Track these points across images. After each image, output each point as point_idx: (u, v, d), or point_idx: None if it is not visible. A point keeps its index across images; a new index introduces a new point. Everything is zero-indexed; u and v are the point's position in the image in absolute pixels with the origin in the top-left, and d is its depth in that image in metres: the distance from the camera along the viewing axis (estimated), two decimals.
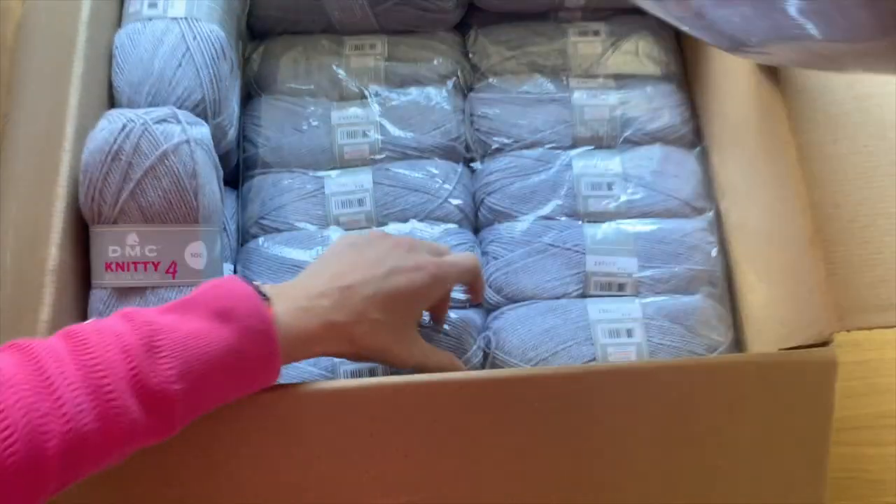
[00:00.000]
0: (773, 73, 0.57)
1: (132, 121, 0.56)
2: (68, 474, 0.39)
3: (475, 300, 0.62)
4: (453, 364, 0.56)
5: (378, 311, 0.50)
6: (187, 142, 0.56)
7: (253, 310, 0.46)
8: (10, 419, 0.37)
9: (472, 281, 0.59)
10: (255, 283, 0.48)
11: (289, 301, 0.48)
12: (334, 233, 0.65)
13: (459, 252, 0.61)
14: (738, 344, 0.64)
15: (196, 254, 0.56)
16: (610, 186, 0.66)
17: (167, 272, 0.55)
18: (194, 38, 0.61)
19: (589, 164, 0.67)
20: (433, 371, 0.53)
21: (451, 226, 0.65)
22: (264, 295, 0.47)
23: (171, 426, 0.43)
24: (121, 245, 0.55)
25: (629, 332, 0.61)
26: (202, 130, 0.58)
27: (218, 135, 0.62)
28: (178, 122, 0.57)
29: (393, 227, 0.65)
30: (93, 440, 0.39)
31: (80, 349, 0.40)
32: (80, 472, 0.40)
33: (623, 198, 0.66)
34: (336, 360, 0.60)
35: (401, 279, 0.51)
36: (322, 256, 0.54)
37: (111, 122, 0.56)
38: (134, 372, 0.41)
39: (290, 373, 0.60)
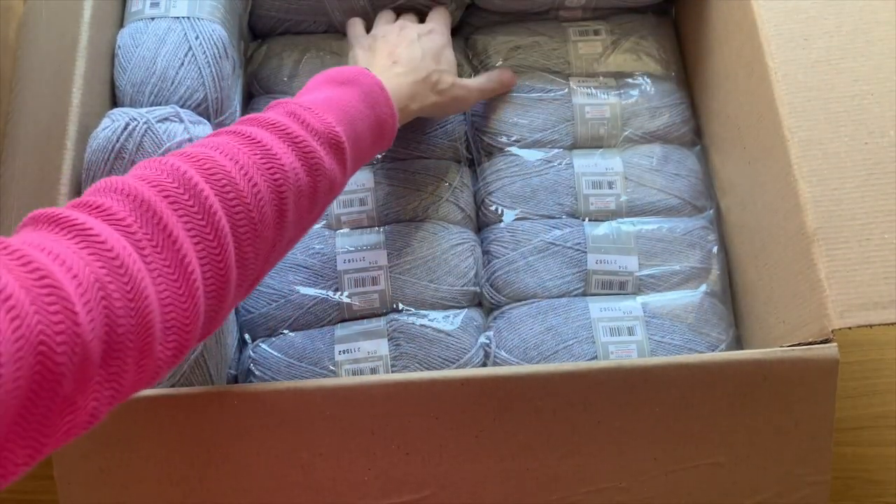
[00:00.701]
0: (772, 71, 0.57)
1: (135, 119, 0.56)
2: (290, 227, 0.47)
3: None
4: (506, 75, 0.68)
5: (434, 62, 0.62)
6: (190, 140, 0.56)
7: (367, 76, 0.55)
8: (259, 183, 0.44)
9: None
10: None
11: (380, 72, 0.58)
12: (338, 233, 0.65)
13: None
14: (739, 341, 0.64)
15: None
16: (611, 185, 0.66)
17: None
18: (196, 37, 0.62)
19: (589, 163, 0.67)
20: (496, 90, 0.68)
21: (453, 225, 0.65)
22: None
23: (345, 170, 0.51)
24: None
25: (630, 331, 0.61)
26: (205, 129, 0.58)
27: None
28: (181, 120, 0.57)
29: (394, 227, 0.65)
30: (305, 192, 0.47)
31: (264, 125, 0.47)
32: (297, 222, 0.48)
33: (624, 196, 0.66)
34: (337, 358, 0.60)
35: (427, 41, 0.63)
36: (357, 55, 0.64)
37: (114, 121, 0.56)
38: (305, 123, 0.48)
39: (291, 371, 0.60)
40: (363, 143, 0.53)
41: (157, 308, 0.38)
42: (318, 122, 0.48)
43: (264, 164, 0.44)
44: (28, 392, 0.32)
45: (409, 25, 0.65)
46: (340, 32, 0.72)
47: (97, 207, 0.38)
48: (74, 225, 0.36)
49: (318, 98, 0.51)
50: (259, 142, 0.45)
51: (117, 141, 0.55)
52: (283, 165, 0.45)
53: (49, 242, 0.35)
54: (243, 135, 0.46)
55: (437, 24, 0.66)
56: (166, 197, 0.40)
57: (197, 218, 0.40)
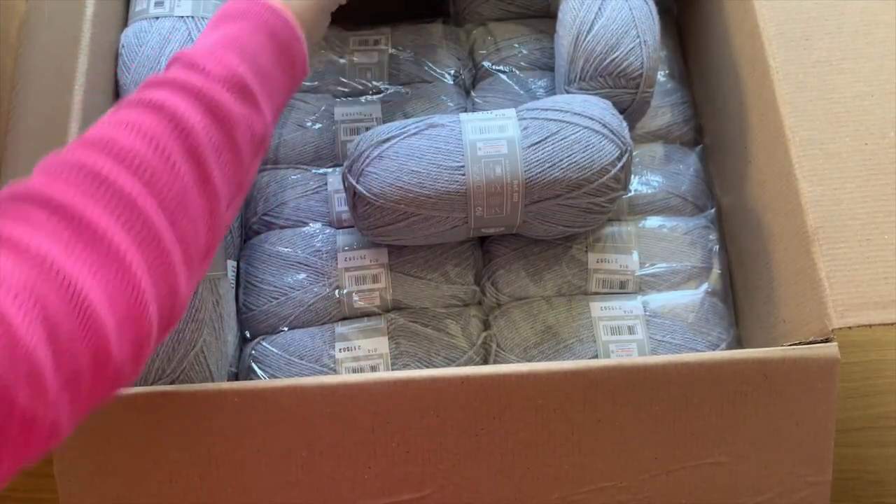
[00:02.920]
0: (773, 71, 0.57)
1: None
2: (221, 187, 0.45)
3: None
4: None
5: None
6: None
7: (259, 3, 0.50)
8: (173, 153, 0.42)
9: None
10: None
11: None
12: (339, 231, 0.65)
13: None
14: (740, 341, 0.64)
15: None
16: None
17: None
18: None
19: None
20: None
21: None
22: None
23: (260, 111, 0.48)
24: None
25: (631, 330, 0.61)
26: None
27: None
28: None
29: None
30: (225, 147, 0.45)
31: (164, 85, 0.44)
32: (228, 180, 0.45)
33: (625, 195, 0.66)
34: (337, 356, 0.60)
35: None
36: None
37: None
38: (206, 72, 0.45)
39: (292, 369, 0.60)
40: (273, 78, 0.50)
41: (101, 304, 0.36)
42: (218, 67, 0.46)
43: (173, 130, 0.42)
44: None
45: None
46: (339, 24, 0.72)
47: (15, 217, 0.37)
48: None
49: (213, 40, 0.48)
50: (162, 107, 0.43)
51: None
52: (192, 127, 0.43)
53: None
54: (145, 103, 0.43)
55: None
56: (83, 194, 0.38)
57: (119, 208, 0.38)
